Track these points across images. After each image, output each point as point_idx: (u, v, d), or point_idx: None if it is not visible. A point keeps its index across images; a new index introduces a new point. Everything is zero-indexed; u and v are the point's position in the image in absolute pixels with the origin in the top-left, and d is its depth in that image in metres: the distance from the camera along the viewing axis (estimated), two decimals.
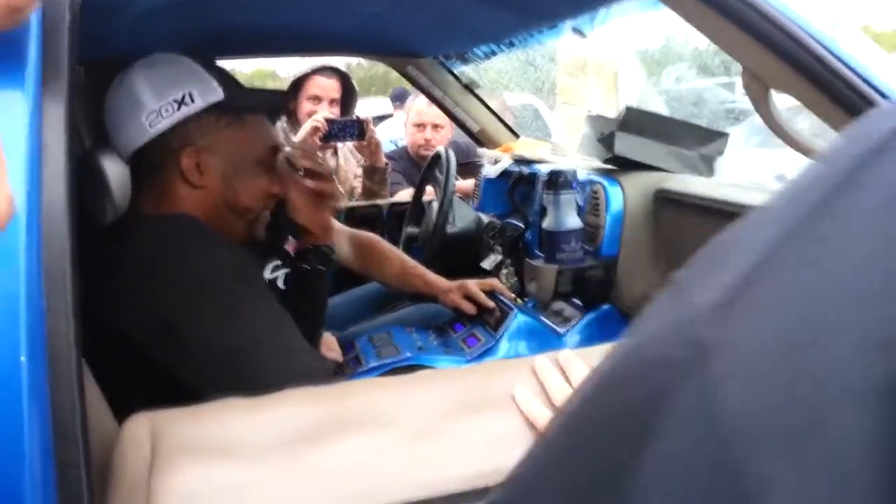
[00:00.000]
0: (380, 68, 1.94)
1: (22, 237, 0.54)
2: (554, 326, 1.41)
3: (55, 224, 0.55)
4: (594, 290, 1.35)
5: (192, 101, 0.99)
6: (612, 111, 1.53)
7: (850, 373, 0.19)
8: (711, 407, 0.21)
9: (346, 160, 2.50)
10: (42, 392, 0.53)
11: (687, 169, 1.39)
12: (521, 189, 1.69)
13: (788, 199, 0.24)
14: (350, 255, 1.67)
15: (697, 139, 1.42)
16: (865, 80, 0.70)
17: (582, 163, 1.57)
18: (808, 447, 0.19)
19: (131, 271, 0.87)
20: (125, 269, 0.87)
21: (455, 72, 1.96)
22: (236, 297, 0.86)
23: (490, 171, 1.85)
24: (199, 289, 0.85)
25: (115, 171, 1.59)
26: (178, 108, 0.98)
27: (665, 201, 1.26)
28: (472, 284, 1.52)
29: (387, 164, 2.35)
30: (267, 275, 1.60)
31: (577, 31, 1.39)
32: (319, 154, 2.34)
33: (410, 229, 1.88)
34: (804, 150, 0.80)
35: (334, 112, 2.34)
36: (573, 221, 1.34)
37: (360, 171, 2.44)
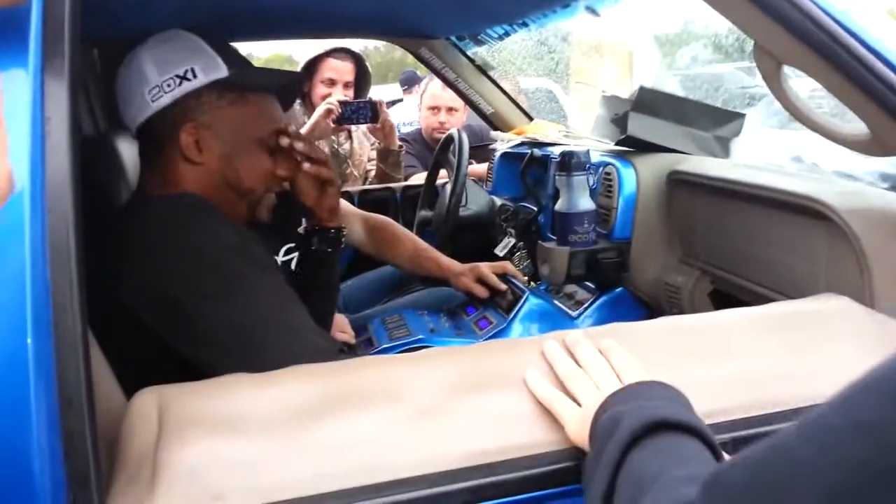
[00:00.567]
0: (396, 53, 1.94)
1: (26, 209, 0.54)
2: (566, 309, 1.41)
3: (59, 196, 0.56)
4: (607, 272, 1.34)
5: (195, 76, 0.98)
6: (627, 92, 1.51)
7: None
8: None
9: (360, 143, 2.50)
10: (48, 363, 0.54)
11: (702, 150, 1.37)
12: (534, 172, 1.67)
13: None
14: (363, 237, 1.67)
15: (713, 120, 1.40)
16: (879, 56, 0.68)
17: (596, 145, 1.55)
18: None
19: (138, 249, 0.87)
20: (132, 247, 0.87)
21: (468, 53, 1.95)
22: (240, 275, 0.86)
23: (500, 148, 1.83)
24: (204, 266, 0.85)
25: (130, 152, 1.60)
26: (180, 84, 0.97)
27: (679, 183, 1.24)
28: (485, 267, 1.51)
29: (401, 146, 2.34)
30: (281, 258, 1.61)
31: (591, 9, 1.38)
32: (332, 138, 2.34)
33: (424, 213, 1.88)
34: (817, 128, 0.79)
35: (348, 95, 2.33)
36: (586, 203, 1.33)
37: (374, 155, 2.43)
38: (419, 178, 2.24)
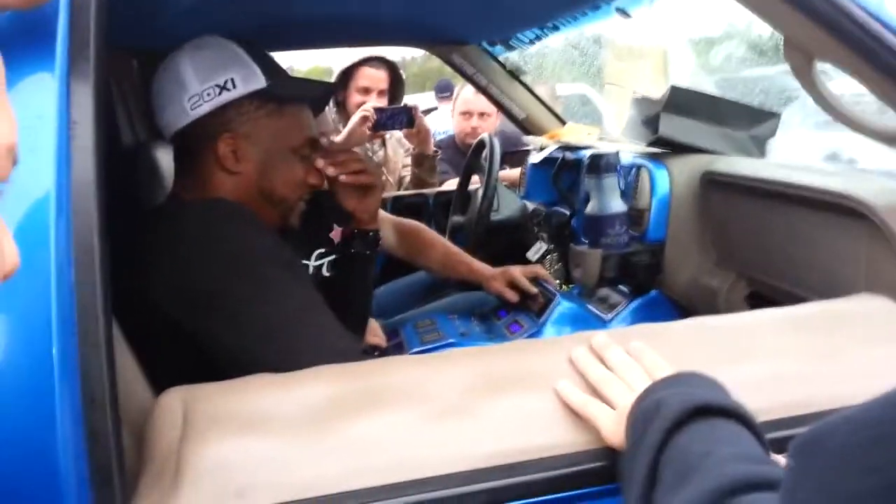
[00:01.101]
0: (433, 63, 1.94)
1: (52, 211, 0.55)
2: (599, 313, 1.39)
3: (84, 198, 0.57)
4: (640, 275, 1.32)
5: (234, 86, 0.99)
6: (660, 94, 1.49)
7: None
8: None
9: (395, 150, 2.51)
10: (72, 362, 0.55)
11: (736, 150, 1.34)
12: (567, 176, 1.66)
13: None
14: (394, 242, 1.68)
15: (748, 120, 1.37)
16: None
17: (628, 147, 1.53)
18: None
19: (172, 252, 0.88)
20: (166, 249, 0.89)
21: (500, 58, 1.94)
22: (272, 279, 0.87)
23: (535, 157, 1.82)
24: (237, 269, 0.86)
25: (168, 162, 1.63)
26: (220, 94, 0.99)
27: (713, 183, 1.22)
28: (516, 271, 1.50)
29: (436, 151, 2.35)
30: (312, 263, 1.63)
31: (622, 11, 1.36)
32: (366, 145, 2.35)
33: (456, 218, 1.88)
34: (850, 123, 0.76)
35: (383, 102, 2.34)
36: (617, 205, 1.31)
37: (408, 161, 2.44)
38: (452, 184, 2.24)
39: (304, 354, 0.79)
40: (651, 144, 1.41)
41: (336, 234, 1.69)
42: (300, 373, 0.67)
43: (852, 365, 0.65)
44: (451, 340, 1.35)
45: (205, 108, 0.99)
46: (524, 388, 0.64)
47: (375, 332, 1.43)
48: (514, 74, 1.98)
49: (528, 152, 1.98)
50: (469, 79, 1.98)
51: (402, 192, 2.29)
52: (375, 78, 2.36)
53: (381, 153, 2.47)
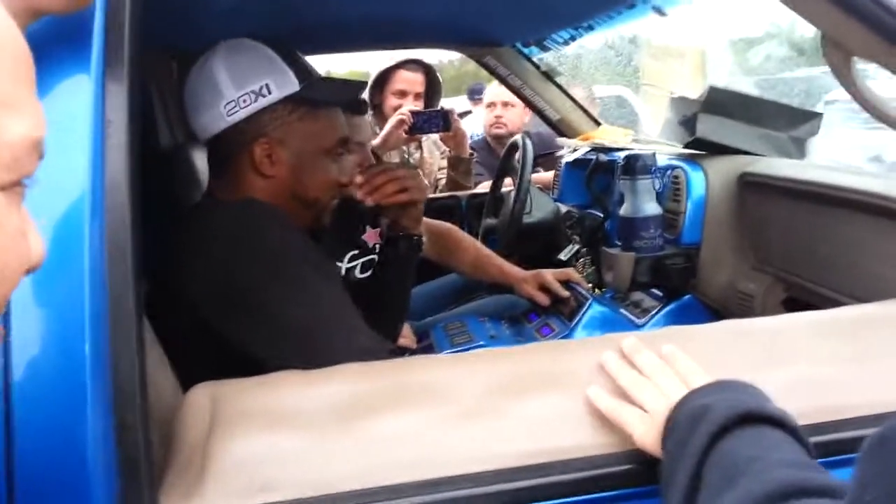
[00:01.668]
0: (469, 67, 1.95)
1: (86, 207, 0.57)
2: (631, 317, 1.37)
3: (118, 195, 0.58)
4: (674, 278, 1.30)
5: (269, 92, 1.00)
6: (697, 94, 1.46)
7: None
8: None
9: (430, 153, 2.52)
10: (104, 355, 0.56)
11: (776, 152, 1.31)
12: (600, 178, 1.64)
13: None
14: (426, 244, 1.68)
15: (788, 120, 1.34)
16: None
17: (664, 148, 1.51)
18: None
19: (205, 251, 0.90)
20: (200, 249, 0.90)
21: (534, 59, 1.93)
22: (302, 279, 0.88)
23: (568, 157, 1.81)
24: (268, 268, 0.87)
25: (206, 163, 1.66)
26: (256, 100, 0.99)
27: (750, 185, 1.19)
28: (548, 274, 1.49)
29: (472, 154, 2.34)
30: (345, 264, 1.64)
31: (658, 9, 1.34)
32: (403, 148, 2.36)
33: (489, 221, 1.87)
34: (891, 122, 0.74)
35: (419, 105, 2.35)
36: (652, 208, 1.29)
37: (444, 164, 2.44)
38: (485, 187, 2.24)
39: (333, 354, 0.79)
40: (688, 145, 1.38)
41: (370, 236, 1.70)
42: (326, 370, 0.68)
43: (889, 370, 0.63)
44: (480, 343, 1.34)
45: (241, 114, 1.00)
46: (550, 389, 0.63)
47: (405, 334, 1.44)
48: (549, 76, 1.97)
49: (561, 156, 1.97)
50: (503, 81, 1.98)
51: (435, 195, 2.30)
52: (412, 81, 2.37)
53: (416, 156, 2.48)
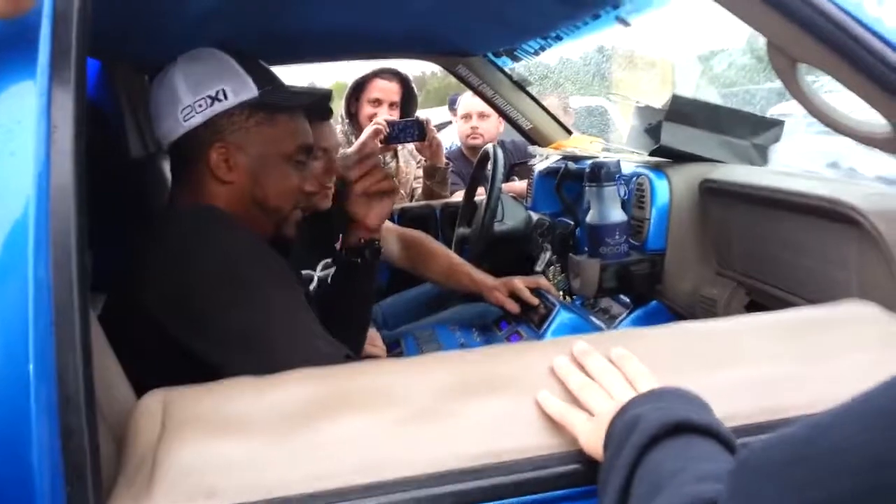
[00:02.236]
0: (453, 79, 1.96)
1: (31, 213, 0.57)
2: (599, 323, 1.38)
3: (63, 200, 0.58)
4: (640, 285, 1.31)
5: (226, 97, 1.01)
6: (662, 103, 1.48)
7: None
8: None
9: (406, 162, 2.53)
10: (49, 361, 0.56)
11: (739, 159, 1.34)
12: (571, 186, 1.66)
13: None
14: (398, 252, 1.69)
15: (751, 128, 1.36)
16: (893, 47, 0.65)
17: (633, 157, 1.53)
18: None
19: (158, 257, 0.90)
20: (153, 255, 0.90)
21: (506, 70, 1.95)
22: (253, 282, 0.88)
23: (538, 167, 1.83)
24: (219, 272, 0.87)
25: None
26: (211, 104, 1.00)
27: (711, 192, 1.21)
28: (518, 282, 1.50)
29: (447, 163, 2.36)
30: (317, 273, 1.64)
31: (622, 20, 1.36)
32: (379, 157, 2.37)
33: (462, 230, 1.88)
34: (837, 126, 0.76)
35: (394, 115, 2.36)
36: (617, 215, 1.31)
37: (420, 173, 2.45)
38: (460, 196, 2.25)
39: (283, 359, 0.80)
40: (653, 153, 1.40)
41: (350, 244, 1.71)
42: (278, 375, 0.68)
43: (834, 370, 0.64)
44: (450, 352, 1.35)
45: (197, 119, 1.00)
46: (500, 392, 0.64)
47: (375, 343, 1.44)
48: (520, 85, 1.98)
49: (534, 163, 1.98)
50: (475, 90, 1.99)
51: (409, 204, 2.31)
52: (387, 90, 2.38)
53: (392, 165, 2.49)
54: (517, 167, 2.51)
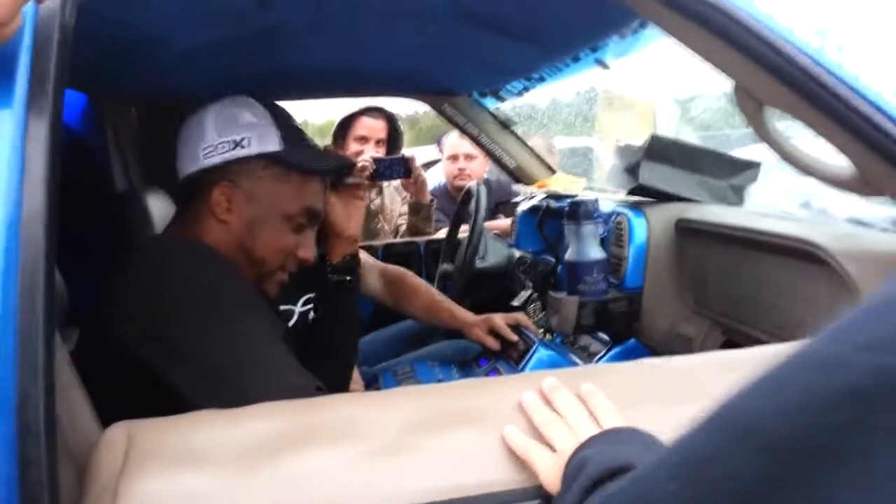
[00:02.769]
0: None
1: (1, 238, 0.57)
2: (578, 361, 1.38)
3: (34, 228, 0.58)
4: (618, 322, 1.32)
5: (248, 145, 1.02)
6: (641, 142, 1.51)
7: None
8: None
9: (392, 199, 2.54)
10: (9, 390, 0.55)
11: (715, 199, 1.35)
12: (553, 224, 1.67)
13: None
14: (380, 288, 1.69)
15: (728, 169, 1.38)
16: (856, 92, 0.67)
17: (613, 196, 1.55)
18: None
19: (133, 286, 0.90)
20: (128, 284, 0.90)
21: (491, 109, 1.98)
22: (227, 313, 0.88)
23: (522, 205, 1.84)
24: (190, 304, 0.87)
25: (158, 208, 1.66)
26: (233, 149, 1.01)
27: (687, 231, 1.23)
28: (498, 318, 1.50)
29: (432, 200, 2.37)
30: (298, 308, 1.63)
31: (601, 62, 1.39)
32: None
33: (445, 266, 1.89)
34: (804, 167, 0.77)
35: (380, 152, 2.38)
36: (595, 253, 1.32)
37: (405, 209, 2.47)
38: (445, 233, 2.26)
39: (257, 389, 0.79)
40: (632, 192, 1.42)
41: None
42: (244, 409, 0.67)
43: None
44: None
45: (215, 159, 1.01)
46: (465, 426, 0.64)
47: (354, 379, 1.43)
48: (505, 124, 2.01)
49: (519, 201, 2.00)
50: (461, 128, 2.02)
51: (394, 241, 2.32)
52: (374, 127, 2.41)
53: (378, 201, 2.51)
54: (501, 205, 2.53)
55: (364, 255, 1.78)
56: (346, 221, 1.20)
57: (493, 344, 1.47)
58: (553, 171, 2.05)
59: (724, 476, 0.28)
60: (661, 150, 1.36)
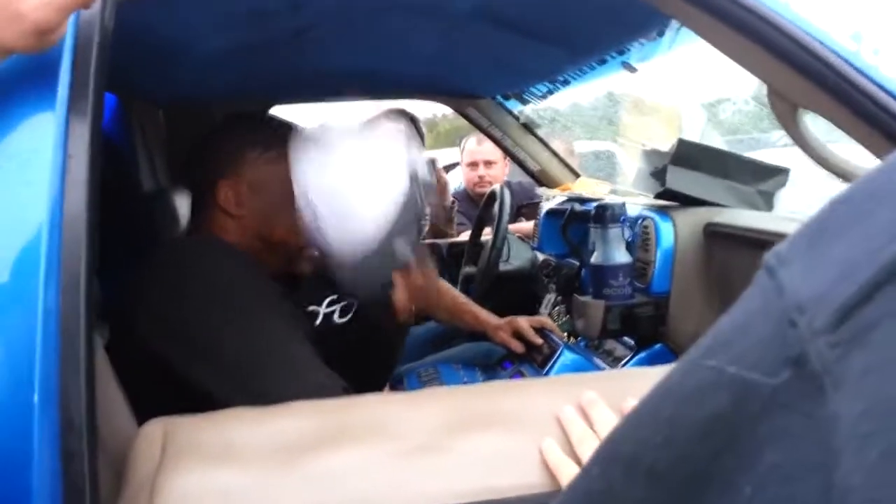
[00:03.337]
0: (464, 120, 2.00)
1: (44, 239, 0.58)
2: (603, 365, 1.38)
3: (75, 228, 0.59)
4: (644, 327, 1.31)
5: None
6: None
7: None
8: (826, 458, 0.18)
9: None
10: (53, 384, 0.57)
11: (743, 204, 1.35)
12: (576, 228, 1.67)
13: None
14: None
15: (755, 174, 1.37)
16: (892, 95, 0.66)
17: (639, 199, 1.54)
18: None
19: (157, 286, 0.91)
20: (153, 284, 0.91)
21: (514, 112, 1.99)
22: (248, 312, 0.88)
23: (545, 204, 1.84)
24: (212, 301, 0.88)
25: (185, 207, 1.68)
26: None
27: (715, 235, 1.22)
28: (522, 321, 1.50)
29: (454, 201, 2.38)
30: (323, 309, 1.64)
31: (628, 65, 1.39)
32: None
33: (468, 269, 1.89)
34: (837, 171, 0.77)
35: None
36: (621, 256, 1.31)
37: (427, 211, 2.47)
38: (467, 235, 2.26)
39: (275, 390, 0.80)
40: (658, 196, 1.41)
41: None
42: (277, 407, 0.68)
43: None
44: None
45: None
46: (497, 428, 0.64)
47: None
48: (528, 127, 2.01)
49: (540, 204, 2.00)
50: (484, 131, 2.02)
51: None
52: None
53: None
54: (524, 208, 2.53)
55: None
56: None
57: (517, 346, 1.47)
58: (577, 175, 2.05)
59: None
60: (688, 155, 1.36)
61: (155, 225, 1.59)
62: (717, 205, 1.34)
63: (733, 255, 1.17)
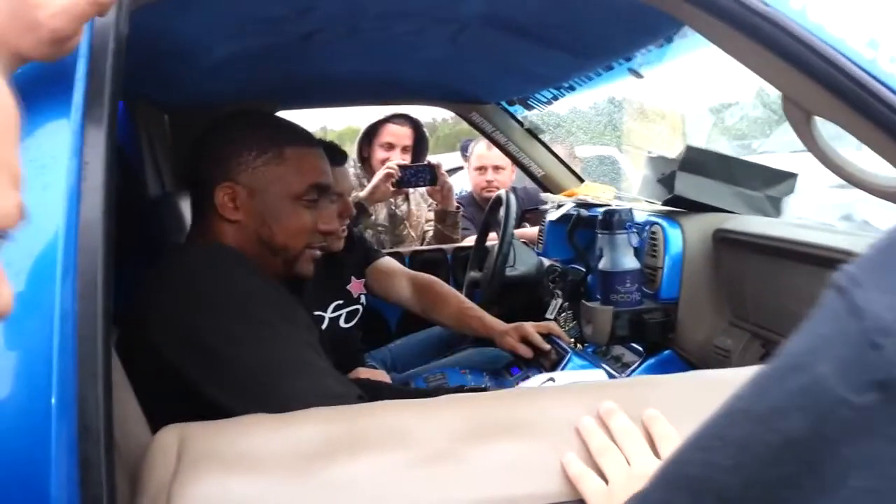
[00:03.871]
0: (464, 125, 2.00)
1: (60, 246, 0.58)
2: (612, 371, 1.37)
3: (91, 235, 0.59)
4: (653, 333, 1.31)
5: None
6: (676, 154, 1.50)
7: None
8: None
9: (418, 205, 2.55)
10: (70, 391, 0.56)
11: (752, 210, 1.35)
12: (582, 234, 1.67)
13: None
14: (410, 296, 1.69)
15: (764, 180, 1.37)
16: None
17: (645, 205, 1.54)
18: None
19: (166, 293, 0.90)
20: (162, 292, 0.91)
21: (518, 117, 1.99)
22: (260, 321, 0.88)
23: (552, 214, 1.84)
24: (224, 310, 0.87)
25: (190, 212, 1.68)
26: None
27: (725, 241, 1.22)
28: (529, 327, 1.50)
29: (458, 207, 2.38)
30: (328, 314, 1.64)
31: (634, 71, 1.39)
32: (390, 200, 2.39)
33: (473, 274, 1.89)
34: (850, 178, 0.77)
35: (406, 159, 2.39)
36: (629, 262, 1.31)
37: (431, 216, 2.47)
38: (472, 240, 2.26)
39: (290, 397, 0.79)
40: (667, 203, 1.41)
41: (354, 286, 1.72)
42: (292, 414, 0.68)
43: None
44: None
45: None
46: (512, 436, 0.64)
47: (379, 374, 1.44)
48: (532, 133, 2.01)
49: (546, 210, 2.00)
50: (488, 136, 2.02)
51: (421, 248, 2.32)
52: (399, 134, 2.42)
53: (404, 208, 2.51)
54: (528, 214, 2.53)
55: (393, 262, 1.78)
56: None
57: (525, 352, 1.46)
58: (581, 180, 2.05)
59: None
60: (696, 161, 1.36)
61: (161, 230, 1.59)
62: (725, 211, 1.34)
63: (743, 261, 1.17)
